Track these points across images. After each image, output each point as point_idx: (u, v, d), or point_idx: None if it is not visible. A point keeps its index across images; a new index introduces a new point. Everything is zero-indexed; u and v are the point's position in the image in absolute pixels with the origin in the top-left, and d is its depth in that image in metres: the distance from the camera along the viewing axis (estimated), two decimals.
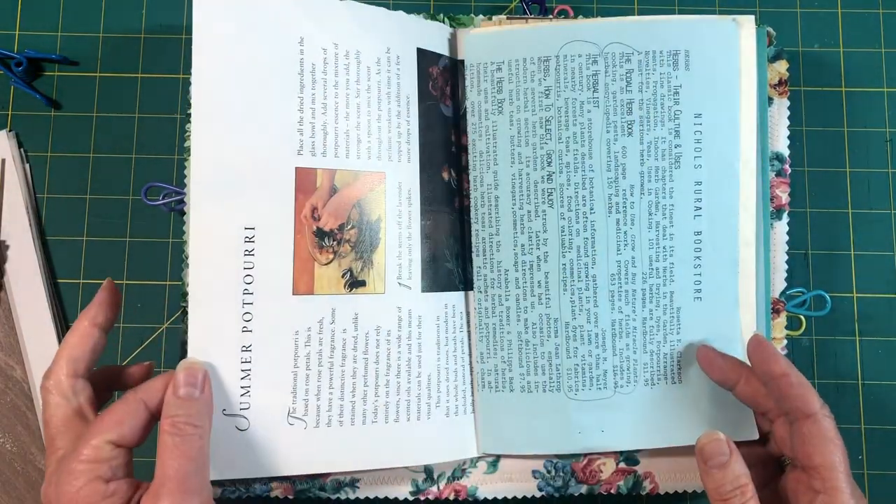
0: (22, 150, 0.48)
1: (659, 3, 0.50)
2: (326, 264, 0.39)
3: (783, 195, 0.44)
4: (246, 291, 0.38)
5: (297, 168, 0.39)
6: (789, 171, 0.44)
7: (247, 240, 0.38)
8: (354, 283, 0.40)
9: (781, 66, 0.44)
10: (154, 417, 0.35)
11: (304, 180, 0.39)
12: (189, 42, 0.45)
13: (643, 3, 0.50)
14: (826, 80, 0.50)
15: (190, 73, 0.43)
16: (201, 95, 0.37)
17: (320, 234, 0.39)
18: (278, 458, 0.39)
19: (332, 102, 0.39)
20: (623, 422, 0.41)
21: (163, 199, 0.45)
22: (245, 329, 0.38)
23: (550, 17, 0.46)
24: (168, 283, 0.47)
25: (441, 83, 0.42)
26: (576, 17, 0.46)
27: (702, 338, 0.41)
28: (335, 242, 0.39)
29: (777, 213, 0.44)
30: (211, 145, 0.37)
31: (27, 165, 0.48)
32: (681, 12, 0.50)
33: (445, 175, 0.42)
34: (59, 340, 0.46)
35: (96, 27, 0.49)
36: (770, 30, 0.44)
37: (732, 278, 0.41)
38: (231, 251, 0.38)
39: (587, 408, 0.41)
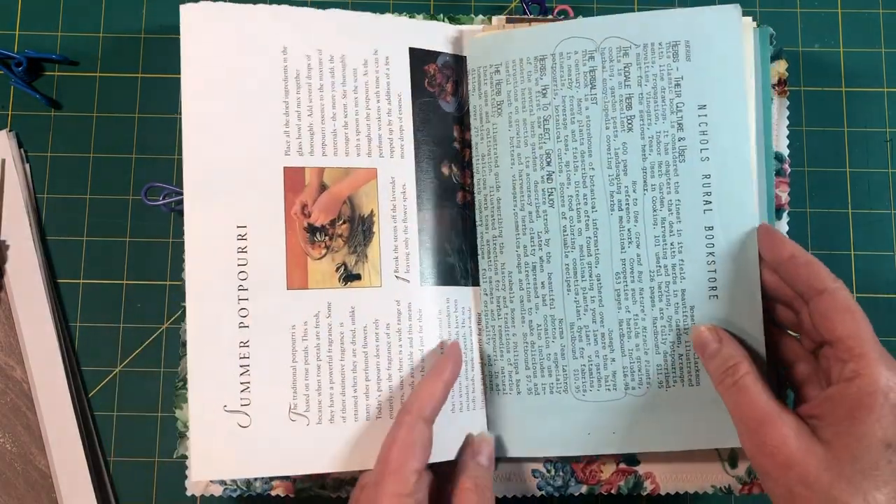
0: (22, 150, 0.48)
1: (658, 4, 0.50)
2: (319, 259, 0.40)
3: (783, 195, 0.44)
4: (241, 287, 0.39)
5: (284, 167, 0.40)
6: (789, 170, 0.44)
7: (239, 237, 0.39)
8: (349, 277, 0.40)
9: (781, 66, 0.44)
10: (431, 427, 0.36)
11: (293, 179, 0.40)
12: None
13: (643, 3, 0.50)
14: (826, 80, 0.50)
15: None
16: (190, 102, 0.39)
17: (311, 229, 0.40)
18: (282, 456, 0.39)
19: (318, 105, 0.41)
20: (635, 424, 0.40)
21: (163, 199, 0.45)
22: (242, 325, 0.39)
23: (550, 17, 0.46)
24: (168, 283, 0.47)
25: (441, 80, 0.43)
26: (576, 17, 0.46)
27: None
28: (327, 237, 0.40)
29: (777, 213, 0.44)
30: (201, 149, 0.39)
31: (27, 165, 0.48)
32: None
33: (446, 170, 0.42)
34: (60, 340, 0.46)
35: (96, 27, 0.49)
36: (769, 29, 0.44)
37: (753, 274, 0.39)
38: (225, 249, 0.39)
39: (596, 409, 0.41)
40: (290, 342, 0.39)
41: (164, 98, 0.48)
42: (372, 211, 0.41)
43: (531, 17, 0.45)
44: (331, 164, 0.41)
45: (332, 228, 0.40)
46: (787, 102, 0.44)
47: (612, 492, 0.43)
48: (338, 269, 0.40)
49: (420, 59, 0.42)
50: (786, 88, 0.44)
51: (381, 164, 0.41)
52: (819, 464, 0.32)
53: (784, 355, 0.40)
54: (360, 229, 0.41)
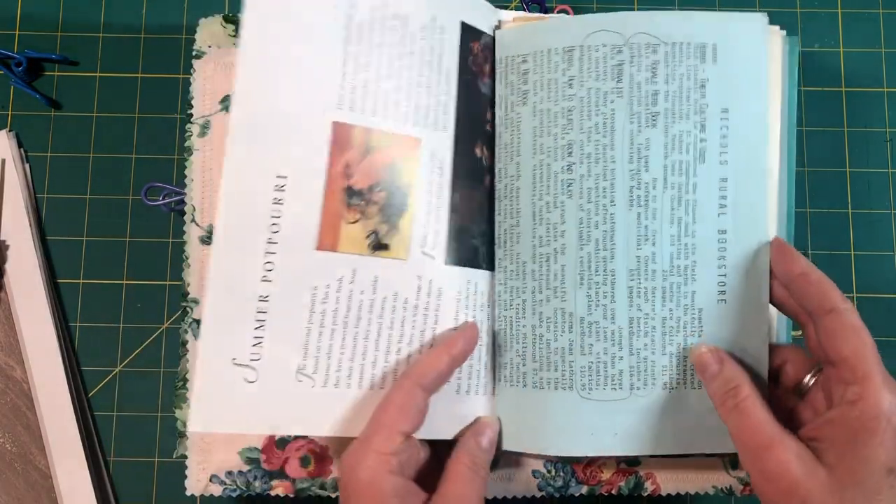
0: (22, 150, 0.48)
1: (658, 4, 0.50)
2: (353, 223, 0.39)
3: None
4: (270, 241, 0.38)
5: (334, 122, 0.39)
6: None
7: (277, 188, 0.38)
8: (378, 246, 0.39)
9: None
10: (428, 397, 0.37)
11: (341, 135, 0.39)
12: (189, 42, 0.45)
13: (643, 3, 0.50)
14: (826, 80, 0.50)
15: (190, 73, 0.43)
16: (249, 38, 0.38)
17: (350, 192, 0.39)
18: (283, 415, 0.38)
19: (376, 61, 0.39)
20: (638, 425, 0.40)
21: (163, 199, 0.45)
22: (265, 279, 0.38)
23: (550, 16, 0.46)
24: (168, 283, 0.47)
25: (481, 60, 0.42)
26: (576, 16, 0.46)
27: (726, 342, 0.40)
28: (363, 202, 0.39)
29: None
30: (253, 88, 0.38)
31: (27, 165, 0.48)
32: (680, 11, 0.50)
33: (478, 151, 0.42)
34: (60, 340, 0.46)
35: (96, 27, 0.49)
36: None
37: (763, 280, 0.39)
38: (261, 197, 0.37)
39: (600, 408, 0.40)
40: (310, 303, 0.38)
41: (164, 98, 0.48)
42: (410, 182, 0.40)
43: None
44: (379, 127, 0.39)
45: (369, 194, 0.39)
46: None
47: (613, 492, 0.43)
48: (368, 235, 0.39)
49: (468, 35, 0.42)
50: None
51: (425, 136, 0.40)
52: (822, 488, 0.32)
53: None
54: (396, 199, 0.40)
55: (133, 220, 0.48)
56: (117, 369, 0.47)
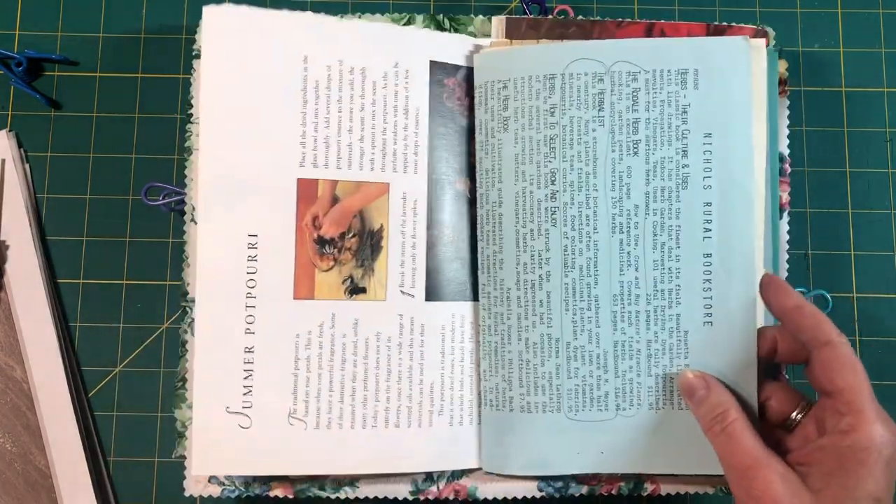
0: (22, 150, 0.48)
1: (659, 3, 0.50)
2: (327, 271, 0.41)
3: (783, 195, 0.44)
4: (249, 295, 0.40)
5: (298, 179, 0.40)
6: (789, 170, 0.44)
7: (250, 246, 0.40)
8: (355, 290, 0.41)
9: (781, 66, 0.44)
10: None
11: (306, 190, 0.40)
12: (189, 42, 0.45)
13: (643, 2, 0.50)
14: (826, 80, 0.50)
15: (190, 73, 0.43)
16: (207, 107, 0.40)
17: (321, 241, 0.41)
18: (279, 457, 0.40)
19: (335, 117, 0.41)
20: (623, 445, 0.41)
21: (163, 199, 0.45)
22: (248, 331, 0.40)
23: (550, 16, 0.46)
24: (168, 283, 0.47)
25: (460, 94, 0.43)
26: (576, 16, 0.46)
27: (713, 363, 0.40)
28: (335, 250, 0.41)
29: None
30: (217, 157, 0.40)
31: (27, 165, 0.48)
32: (681, 12, 0.50)
33: (461, 185, 0.42)
34: (60, 340, 0.46)
35: (96, 27, 0.49)
36: (769, 29, 0.44)
37: (750, 305, 0.40)
38: (235, 257, 0.40)
39: (587, 429, 0.41)
40: (294, 350, 0.40)
41: (164, 98, 0.48)
42: (382, 226, 0.41)
43: (531, 17, 0.45)
44: (344, 178, 0.41)
45: (341, 241, 0.41)
46: (788, 102, 0.44)
47: (613, 492, 0.43)
48: (344, 281, 0.41)
49: (440, 72, 0.43)
50: (786, 88, 0.44)
51: (394, 180, 0.41)
52: None
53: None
54: (368, 243, 0.41)
55: (133, 220, 0.48)
56: (117, 369, 0.47)
